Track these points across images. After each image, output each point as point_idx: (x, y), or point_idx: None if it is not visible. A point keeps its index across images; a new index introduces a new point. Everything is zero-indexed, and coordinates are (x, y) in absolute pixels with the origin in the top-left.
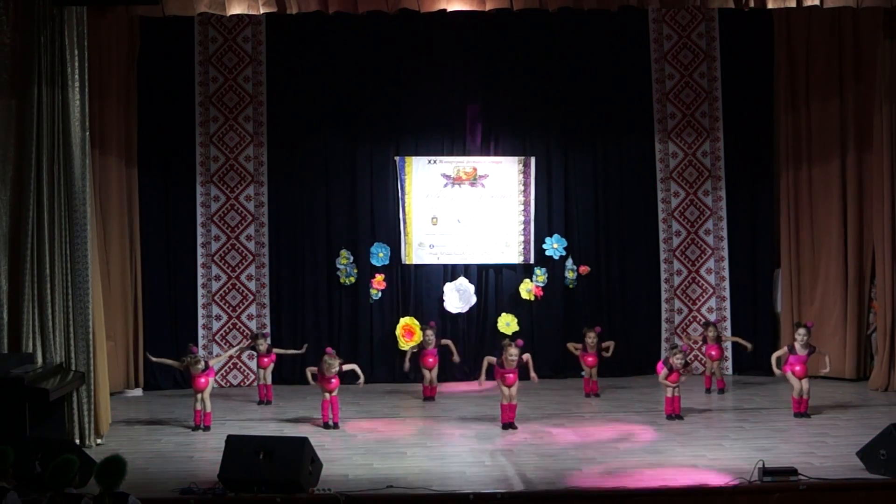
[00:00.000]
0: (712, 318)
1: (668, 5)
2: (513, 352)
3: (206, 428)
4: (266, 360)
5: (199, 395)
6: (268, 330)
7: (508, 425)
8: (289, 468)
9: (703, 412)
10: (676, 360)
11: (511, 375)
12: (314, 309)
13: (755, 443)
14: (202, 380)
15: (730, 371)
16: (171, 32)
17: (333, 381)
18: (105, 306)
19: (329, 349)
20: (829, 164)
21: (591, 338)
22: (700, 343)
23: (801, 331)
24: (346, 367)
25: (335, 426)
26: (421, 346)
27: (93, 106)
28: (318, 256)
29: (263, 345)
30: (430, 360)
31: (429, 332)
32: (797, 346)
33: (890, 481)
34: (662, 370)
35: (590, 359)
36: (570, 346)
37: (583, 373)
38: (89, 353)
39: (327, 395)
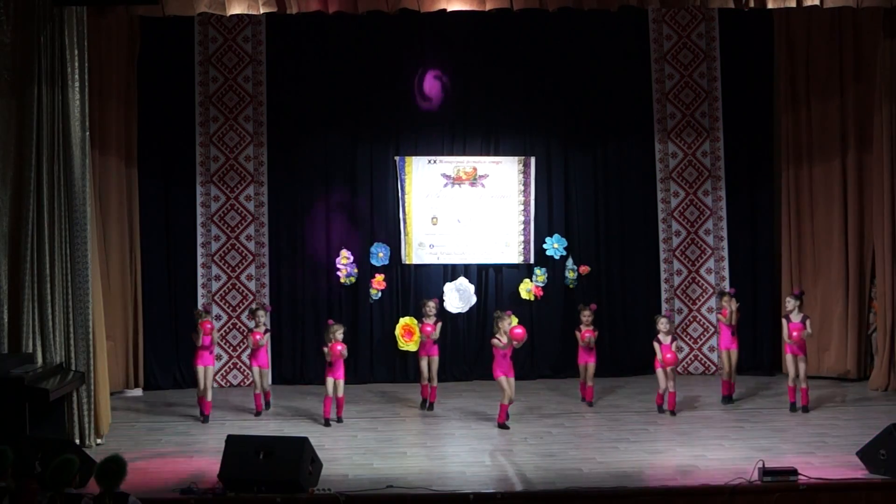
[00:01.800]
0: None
1: (668, 5)
2: (507, 321)
3: (206, 418)
4: (259, 336)
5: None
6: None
7: (503, 426)
8: (289, 468)
9: (702, 412)
10: (661, 326)
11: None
12: (314, 309)
13: (755, 443)
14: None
15: None
16: (171, 32)
17: (339, 346)
18: (105, 306)
19: (330, 320)
20: (829, 163)
21: (586, 316)
22: (728, 315)
23: (790, 299)
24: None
25: (339, 420)
26: (420, 319)
27: (93, 106)
28: (318, 256)
29: (264, 317)
30: (429, 328)
31: (430, 303)
32: (791, 316)
33: (890, 481)
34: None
35: (587, 334)
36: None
37: (580, 378)
38: (89, 353)
39: (331, 380)
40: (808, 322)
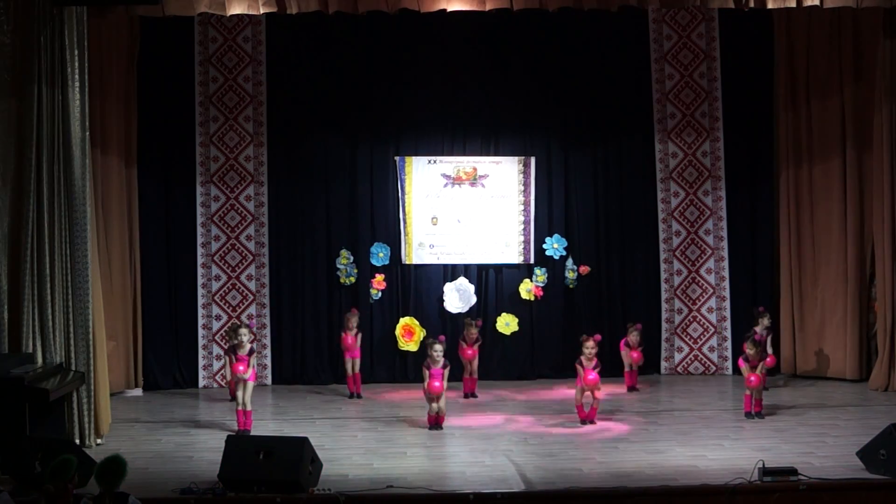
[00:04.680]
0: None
1: (668, 5)
2: (473, 331)
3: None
4: (242, 368)
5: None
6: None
7: (470, 394)
8: (289, 468)
9: (702, 412)
10: (632, 338)
11: (470, 351)
12: (314, 309)
13: (755, 443)
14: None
15: (729, 371)
16: (171, 32)
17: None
18: (105, 306)
19: (353, 308)
20: (829, 163)
21: (589, 348)
22: (759, 339)
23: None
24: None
25: (359, 396)
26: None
27: (93, 106)
28: (318, 256)
29: (247, 335)
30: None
31: (437, 346)
32: (758, 329)
33: (890, 481)
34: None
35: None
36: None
37: (577, 400)
38: (89, 353)
39: (349, 362)
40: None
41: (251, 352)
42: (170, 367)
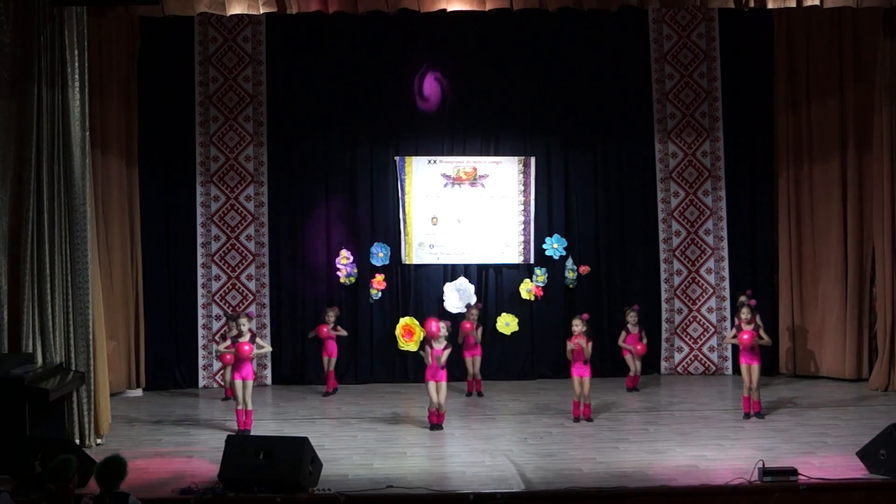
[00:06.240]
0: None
1: (668, 5)
2: (473, 312)
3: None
4: (248, 348)
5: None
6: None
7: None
8: (289, 468)
9: (702, 412)
10: (630, 318)
11: (471, 348)
12: (314, 309)
13: (755, 443)
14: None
15: (729, 371)
16: (171, 32)
17: (325, 328)
18: (107, 306)
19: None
20: (829, 163)
21: (576, 325)
22: (735, 332)
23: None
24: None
25: (333, 392)
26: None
27: (93, 106)
28: (318, 256)
29: (248, 324)
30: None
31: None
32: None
33: (890, 481)
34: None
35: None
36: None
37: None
38: (89, 353)
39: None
40: (760, 330)
41: (252, 338)
42: (170, 367)
